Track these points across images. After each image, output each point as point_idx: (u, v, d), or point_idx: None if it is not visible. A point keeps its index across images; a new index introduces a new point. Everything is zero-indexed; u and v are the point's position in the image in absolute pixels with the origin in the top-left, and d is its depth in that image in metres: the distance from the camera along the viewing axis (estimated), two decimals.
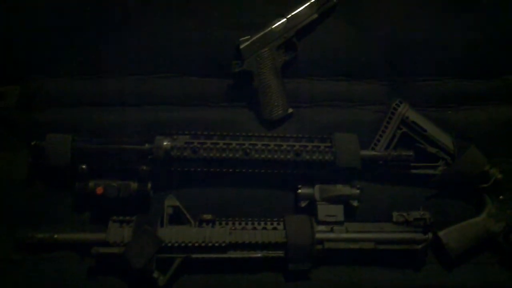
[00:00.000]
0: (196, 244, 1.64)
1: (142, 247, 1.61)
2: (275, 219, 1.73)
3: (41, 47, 1.87)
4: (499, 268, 1.81)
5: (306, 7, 1.88)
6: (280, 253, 1.69)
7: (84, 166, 1.68)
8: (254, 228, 1.71)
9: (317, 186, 1.77)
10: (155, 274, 1.61)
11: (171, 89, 1.92)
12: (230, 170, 1.77)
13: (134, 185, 1.71)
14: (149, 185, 1.73)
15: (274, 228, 1.71)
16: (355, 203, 1.77)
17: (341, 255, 1.73)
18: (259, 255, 1.68)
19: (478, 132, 1.92)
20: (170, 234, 1.65)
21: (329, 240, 1.72)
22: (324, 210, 1.75)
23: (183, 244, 1.64)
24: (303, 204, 1.77)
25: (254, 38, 1.87)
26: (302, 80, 1.96)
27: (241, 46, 1.86)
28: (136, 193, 1.71)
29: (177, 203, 1.70)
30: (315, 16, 1.90)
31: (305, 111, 1.94)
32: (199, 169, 1.76)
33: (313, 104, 1.96)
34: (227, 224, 1.71)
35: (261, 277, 1.72)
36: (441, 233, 1.77)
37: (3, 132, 1.85)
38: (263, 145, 1.77)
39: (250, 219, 1.73)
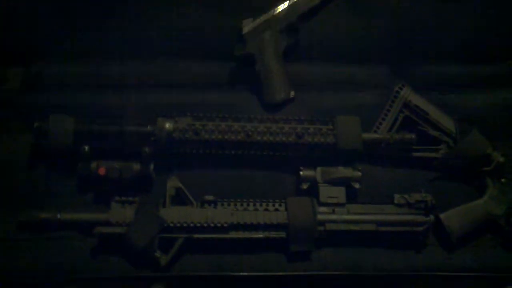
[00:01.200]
0: (198, 225, 1.65)
1: (145, 227, 1.61)
2: (277, 201, 1.73)
3: (43, 31, 1.89)
4: (501, 251, 1.80)
5: None
6: (282, 234, 1.69)
7: (86, 147, 1.68)
8: (256, 209, 1.71)
9: (319, 169, 1.77)
10: (157, 254, 1.62)
11: (173, 73, 1.94)
12: (232, 152, 1.77)
13: (136, 166, 1.71)
14: (151, 166, 1.73)
15: (276, 210, 1.71)
16: (356, 185, 1.76)
17: (343, 237, 1.73)
18: (261, 236, 1.68)
19: (481, 116, 1.92)
20: (172, 214, 1.65)
21: (330, 221, 1.72)
22: (325, 192, 1.75)
23: (185, 224, 1.64)
24: (304, 186, 1.77)
25: (257, 21, 1.88)
26: (304, 64, 1.97)
27: (244, 30, 1.87)
28: (138, 175, 1.71)
29: (180, 184, 1.70)
30: (317, 0, 1.90)
31: (307, 95, 1.95)
32: (201, 151, 1.76)
33: (315, 88, 1.97)
34: (229, 205, 1.71)
35: (263, 257, 1.71)
36: (442, 216, 1.77)
37: (7, 114, 1.85)
38: (265, 127, 1.77)
39: (252, 200, 1.73)
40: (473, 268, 1.77)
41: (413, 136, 1.82)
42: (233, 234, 1.68)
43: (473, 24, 1.94)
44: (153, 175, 1.74)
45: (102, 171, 1.68)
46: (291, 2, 1.89)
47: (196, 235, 1.66)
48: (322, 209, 1.73)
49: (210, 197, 1.70)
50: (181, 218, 1.65)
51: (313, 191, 1.76)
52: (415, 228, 1.74)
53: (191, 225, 1.65)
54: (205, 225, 1.65)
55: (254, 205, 1.72)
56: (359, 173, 1.76)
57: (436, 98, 1.92)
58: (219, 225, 1.66)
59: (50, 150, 1.72)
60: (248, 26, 1.88)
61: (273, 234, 1.69)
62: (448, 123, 1.87)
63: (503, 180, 1.83)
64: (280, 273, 1.71)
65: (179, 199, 1.71)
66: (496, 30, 1.95)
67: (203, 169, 1.81)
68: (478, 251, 1.79)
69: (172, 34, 1.91)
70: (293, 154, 1.79)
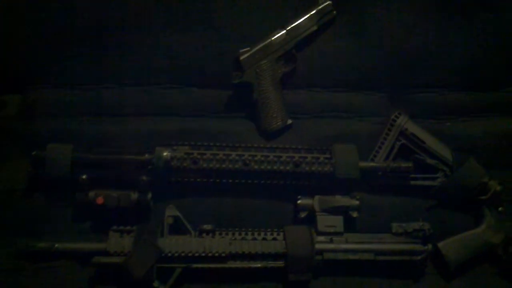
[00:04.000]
0: (196, 254, 1.64)
1: (143, 257, 1.61)
2: (275, 230, 1.73)
3: (42, 57, 1.88)
4: (498, 280, 1.80)
5: (306, 19, 1.90)
6: (280, 264, 1.69)
7: (84, 176, 1.68)
8: (254, 239, 1.71)
9: (316, 197, 1.77)
10: (155, 284, 1.61)
11: (171, 100, 1.93)
12: (230, 180, 1.77)
13: (134, 195, 1.71)
14: (149, 195, 1.73)
15: (274, 239, 1.71)
16: (354, 214, 1.76)
17: (341, 266, 1.73)
18: (259, 265, 1.68)
19: (477, 144, 1.93)
20: (170, 244, 1.65)
21: (328, 250, 1.71)
22: (323, 221, 1.75)
23: (183, 254, 1.64)
24: (302, 215, 1.77)
25: (254, 49, 1.88)
26: (301, 92, 1.98)
27: (241, 58, 1.88)
28: (136, 203, 1.71)
29: (177, 213, 1.70)
30: (315, 28, 1.91)
31: (304, 123, 1.95)
32: (198, 180, 1.76)
33: (312, 115, 1.98)
34: (227, 234, 1.71)
35: (261, 287, 1.72)
36: (440, 244, 1.77)
37: (4, 141, 1.85)
38: (262, 156, 1.77)
39: (250, 229, 1.73)
40: None
41: (410, 164, 1.82)
42: (231, 264, 1.68)
43: (470, 52, 1.94)
44: (151, 204, 1.74)
45: (100, 200, 1.68)
46: (288, 30, 1.89)
47: (194, 265, 1.66)
48: (320, 238, 1.73)
49: (208, 226, 1.70)
50: (179, 247, 1.65)
51: (311, 220, 1.77)
52: (413, 257, 1.74)
53: (189, 254, 1.64)
54: (203, 254, 1.65)
55: (252, 234, 1.72)
56: (357, 202, 1.77)
57: (433, 126, 1.94)
58: (217, 254, 1.66)
59: (48, 179, 1.72)
60: (245, 54, 1.88)
61: (271, 264, 1.69)
62: (444, 151, 1.88)
63: (500, 209, 1.83)
64: None
65: (177, 228, 1.70)
66: (493, 58, 1.96)
67: (201, 197, 1.81)
68: (476, 280, 1.80)
69: (170, 62, 1.91)
70: (290, 183, 1.79)
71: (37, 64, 1.88)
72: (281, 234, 1.72)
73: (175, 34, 1.90)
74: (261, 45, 1.89)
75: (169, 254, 1.63)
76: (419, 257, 1.74)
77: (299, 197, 1.79)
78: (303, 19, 1.90)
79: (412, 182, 1.87)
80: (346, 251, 1.72)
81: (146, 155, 1.73)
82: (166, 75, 1.93)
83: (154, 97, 1.92)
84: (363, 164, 1.81)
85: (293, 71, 1.94)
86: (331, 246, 1.72)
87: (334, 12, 1.91)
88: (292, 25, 1.90)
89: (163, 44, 1.90)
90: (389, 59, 1.94)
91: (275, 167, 1.76)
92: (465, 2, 1.92)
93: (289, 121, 1.91)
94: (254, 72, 1.88)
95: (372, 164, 1.84)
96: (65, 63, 1.89)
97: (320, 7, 1.90)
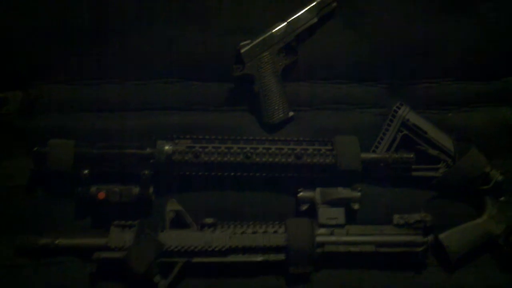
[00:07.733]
0: (197, 248, 1.65)
1: (144, 251, 1.61)
2: (276, 223, 1.73)
3: (43, 53, 1.88)
4: (500, 270, 1.80)
5: (306, 11, 1.90)
6: (281, 257, 1.69)
7: (86, 171, 1.69)
8: (255, 232, 1.71)
9: (318, 189, 1.77)
10: (157, 278, 1.61)
11: (172, 94, 1.94)
12: (232, 174, 1.78)
13: (136, 189, 1.72)
14: (151, 189, 1.73)
15: (275, 232, 1.71)
16: (356, 206, 1.76)
17: (342, 258, 1.73)
18: (260, 259, 1.68)
19: (479, 134, 1.92)
20: (171, 238, 1.66)
21: (329, 243, 1.72)
22: (325, 213, 1.75)
23: (184, 248, 1.64)
24: (303, 207, 1.77)
25: (255, 42, 1.88)
26: (302, 84, 1.98)
27: (242, 50, 1.88)
28: (138, 198, 1.72)
29: (179, 207, 1.71)
30: (315, 20, 1.91)
31: (306, 115, 1.96)
32: (200, 173, 1.77)
33: (313, 107, 1.98)
34: (228, 228, 1.71)
35: (262, 280, 1.71)
36: (441, 236, 1.77)
37: (5, 137, 1.86)
38: (264, 148, 1.77)
39: (251, 223, 1.73)
40: None
41: (412, 155, 1.82)
42: (232, 258, 1.68)
43: (471, 42, 1.94)
44: (152, 198, 1.74)
45: (101, 195, 1.68)
46: (288, 22, 1.89)
47: (195, 259, 1.66)
48: (321, 230, 1.73)
49: (209, 220, 1.70)
50: (180, 242, 1.65)
51: (312, 212, 1.77)
52: (414, 249, 1.74)
53: (190, 249, 1.65)
54: (204, 249, 1.66)
55: (254, 227, 1.72)
56: (359, 194, 1.76)
57: (434, 117, 1.93)
58: (218, 248, 1.66)
59: (50, 174, 1.73)
60: (246, 47, 1.88)
61: (272, 257, 1.69)
62: (446, 141, 1.87)
63: (502, 198, 1.83)
64: None
65: (179, 222, 1.71)
66: (493, 48, 1.95)
67: (203, 191, 1.82)
68: (478, 271, 1.79)
69: (171, 56, 1.92)
70: (292, 175, 1.80)
71: (38, 61, 1.89)
72: (282, 227, 1.72)
73: (175, 28, 1.90)
74: (262, 37, 1.89)
75: (170, 249, 1.64)
76: (420, 249, 1.73)
77: (300, 189, 1.78)
78: (303, 11, 1.90)
79: (414, 173, 1.86)
80: (347, 243, 1.72)
81: (148, 149, 1.74)
82: (167, 69, 1.93)
83: (155, 91, 1.93)
84: (364, 155, 1.81)
85: (294, 63, 1.94)
86: (332, 238, 1.72)
87: (334, 4, 1.91)
88: (292, 18, 1.90)
89: (163, 38, 1.90)
90: (389, 50, 1.94)
91: (276, 160, 1.76)
92: None
93: (291, 114, 1.91)
94: (255, 65, 1.89)
95: (374, 155, 1.84)
96: (66, 59, 1.90)
97: None
